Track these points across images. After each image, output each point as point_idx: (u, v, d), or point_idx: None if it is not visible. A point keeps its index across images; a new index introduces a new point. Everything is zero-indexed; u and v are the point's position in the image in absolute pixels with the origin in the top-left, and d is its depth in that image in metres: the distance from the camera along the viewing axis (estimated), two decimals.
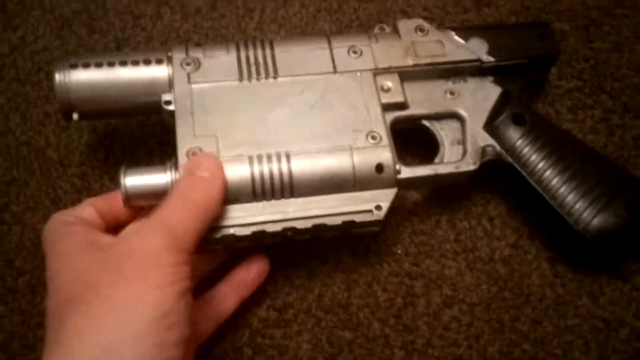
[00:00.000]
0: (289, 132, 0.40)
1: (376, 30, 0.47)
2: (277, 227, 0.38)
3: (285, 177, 0.38)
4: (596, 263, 0.46)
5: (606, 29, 0.54)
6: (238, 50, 0.43)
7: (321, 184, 0.39)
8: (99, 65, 0.42)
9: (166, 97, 0.41)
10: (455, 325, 0.45)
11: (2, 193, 0.49)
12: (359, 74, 0.43)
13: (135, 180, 0.38)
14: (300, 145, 0.39)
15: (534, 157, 0.44)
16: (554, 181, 0.43)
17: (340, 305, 0.45)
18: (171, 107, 0.40)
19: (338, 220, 0.39)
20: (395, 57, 0.44)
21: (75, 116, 0.42)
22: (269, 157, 0.39)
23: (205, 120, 0.40)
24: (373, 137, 0.40)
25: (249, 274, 0.43)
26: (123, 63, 0.42)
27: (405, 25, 0.46)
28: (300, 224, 0.39)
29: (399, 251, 0.47)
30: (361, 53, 0.44)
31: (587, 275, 0.46)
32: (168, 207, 0.35)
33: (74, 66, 0.41)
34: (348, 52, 0.44)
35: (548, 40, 0.48)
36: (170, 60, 0.42)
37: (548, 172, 0.43)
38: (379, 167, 0.40)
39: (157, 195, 0.37)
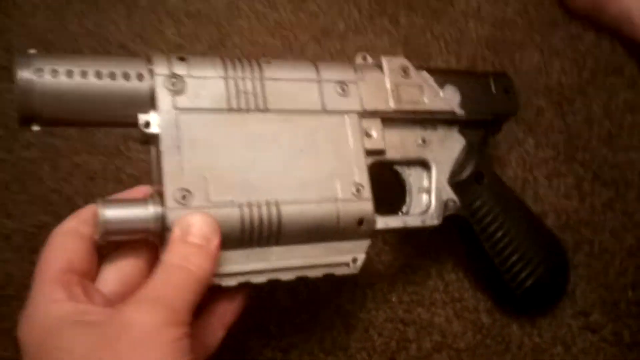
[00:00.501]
0: (278, 178, 0.38)
1: (359, 59, 0.46)
2: (262, 279, 0.38)
3: (274, 227, 0.38)
4: (569, 316, 0.51)
5: (578, 106, 0.61)
6: (225, 70, 0.39)
7: (306, 234, 0.39)
8: (69, 74, 0.35)
9: (145, 117, 0.36)
10: None
11: (33, 236, 0.54)
12: (346, 116, 0.42)
13: (115, 213, 0.35)
14: (289, 194, 0.38)
15: (487, 218, 0.47)
16: (500, 242, 0.48)
17: (340, 347, 0.50)
18: (152, 131, 0.36)
19: (319, 273, 0.40)
20: (380, 101, 0.43)
21: (35, 127, 0.36)
22: (259, 206, 0.37)
23: (193, 156, 0.36)
24: (357, 189, 0.40)
25: (232, 302, 0.40)
26: (98, 75, 0.36)
27: (390, 64, 0.45)
28: (284, 276, 0.39)
29: (394, 299, 0.52)
30: (349, 91, 0.42)
31: (561, 326, 0.51)
32: (164, 279, 0.33)
33: (39, 72, 0.35)
34: (336, 89, 0.42)
35: (511, 95, 0.50)
36: (151, 75, 0.37)
37: (497, 233, 0.48)
38: (360, 221, 0.40)
39: (136, 232, 0.35)
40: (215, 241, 0.35)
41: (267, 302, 0.51)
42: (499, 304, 0.52)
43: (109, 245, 0.37)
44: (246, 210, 0.37)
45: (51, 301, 0.33)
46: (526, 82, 0.63)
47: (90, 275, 0.37)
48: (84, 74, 0.36)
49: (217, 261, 0.35)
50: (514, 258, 0.48)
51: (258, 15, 0.64)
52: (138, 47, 0.61)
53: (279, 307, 0.50)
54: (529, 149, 0.59)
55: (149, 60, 0.38)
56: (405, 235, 0.54)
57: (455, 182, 0.47)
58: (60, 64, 0.35)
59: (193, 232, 0.34)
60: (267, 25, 0.64)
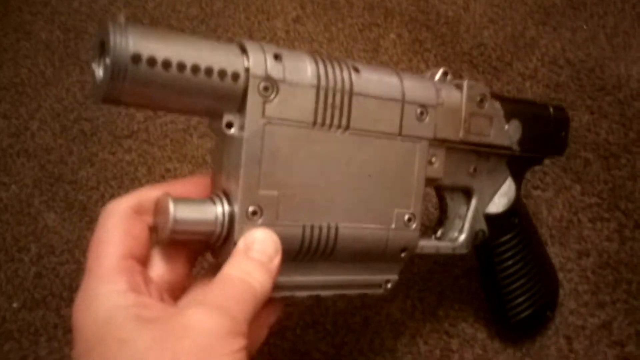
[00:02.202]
0: (343, 201, 0.38)
1: (439, 75, 0.44)
2: (305, 294, 0.38)
3: (329, 248, 0.38)
4: (605, 345, 0.55)
5: (623, 161, 0.66)
6: (318, 77, 0.36)
7: (352, 256, 0.39)
8: (166, 66, 0.32)
9: (230, 118, 0.34)
10: None
11: None
12: (418, 143, 0.40)
13: (185, 214, 0.33)
14: (349, 219, 0.38)
15: (508, 252, 0.49)
16: (512, 276, 0.50)
17: (388, 350, 0.55)
18: (233, 133, 0.34)
19: (354, 292, 0.41)
20: (452, 130, 0.42)
21: (113, 105, 0.35)
22: (321, 228, 0.37)
23: (271, 172, 0.35)
24: (409, 220, 0.40)
25: (275, 304, 0.41)
26: (195, 70, 0.32)
27: (471, 90, 0.43)
28: (324, 292, 0.39)
29: (440, 313, 0.57)
30: (427, 117, 0.41)
31: (597, 354, 0.54)
32: (226, 289, 0.33)
33: (136, 59, 0.31)
34: (416, 113, 0.40)
35: (563, 139, 0.50)
36: (246, 76, 0.34)
37: (512, 268, 0.50)
38: (404, 249, 0.41)
39: (200, 235, 0.34)
40: (277, 260, 0.35)
41: (325, 302, 0.56)
42: (492, 324, 0.56)
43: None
44: (308, 231, 0.37)
45: (113, 291, 0.31)
46: (576, 137, 0.68)
47: (145, 262, 0.35)
48: (181, 68, 0.32)
49: (275, 279, 0.35)
50: (520, 291, 0.51)
51: None
52: None
53: (335, 309, 0.55)
54: (575, 195, 0.64)
55: (243, 50, 0.35)
56: (452, 257, 0.59)
57: (490, 214, 0.48)
58: (158, 48, 0.31)
59: (257, 248, 0.34)
60: None
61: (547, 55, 0.74)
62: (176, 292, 0.37)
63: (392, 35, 0.78)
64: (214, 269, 0.38)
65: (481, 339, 0.55)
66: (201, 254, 0.39)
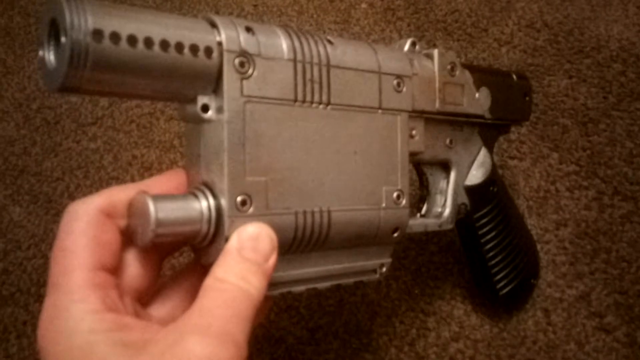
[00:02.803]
0: (332, 182, 0.36)
1: (408, 45, 0.43)
2: (302, 288, 0.36)
3: (322, 235, 0.35)
4: (584, 317, 0.54)
5: (602, 127, 0.65)
6: (294, 50, 0.34)
7: (345, 242, 0.37)
8: (132, 42, 0.28)
9: (204, 100, 0.31)
10: (460, 356, 0.53)
11: None
12: (399, 116, 0.39)
13: (168, 215, 0.29)
14: (340, 201, 0.36)
15: (491, 224, 0.49)
16: (496, 247, 0.50)
17: (363, 331, 0.54)
18: (210, 116, 0.32)
19: (350, 281, 0.39)
20: (428, 100, 0.41)
21: (72, 96, 0.32)
22: (313, 214, 0.35)
23: (257, 156, 0.32)
24: (398, 197, 0.39)
25: (266, 303, 0.37)
26: (164, 46, 0.29)
27: (442, 59, 0.42)
28: (320, 285, 0.37)
29: (416, 291, 0.56)
30: (403, 88, 0.39)
31: (575, 325, 0.53)
32: (225, 303, 0.29)
33: (97, 35, 0.27)
34: (393, 85, 0.39)
35: (528, 102, 0.51)
36: (220, 51, 0.31)
37: (496, 239, 0.49)
38: (396, 229, 0.39)
39: (185, 236, 0.31)
40: (273, 259, 0.31)
41: None
42: (478, 297, 0.55)
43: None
44: (301, 218, 0.34)
45: (87, 311, 0.27)
46: (553, 103, 0.67)
47: (116, 272, 0.31)
48: (148, 44, 0.28)
49: (270, 279, 0.31)
50: (505, 262, 0.50)
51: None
52: None
53: (309, 292, 0.54)
54: (552, 163, 0.63)
55: (212, 24, 0.32)
56: (427, 233, 0.57)
57: (469, 186, 0.47)
58: (121, 23, 0.28)
59: (251, 246, 0.30)
60: None
61: (524, 19, 0.72)
62: (144, 298, 0.33)
63: (364, 5, 0.75)
64: (188, 269, 0.36)
65: (458, 315, 0.54)
66: (171, 253, 0.36)
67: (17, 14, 0.75)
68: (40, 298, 0.56)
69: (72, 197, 0.62)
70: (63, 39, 0.26)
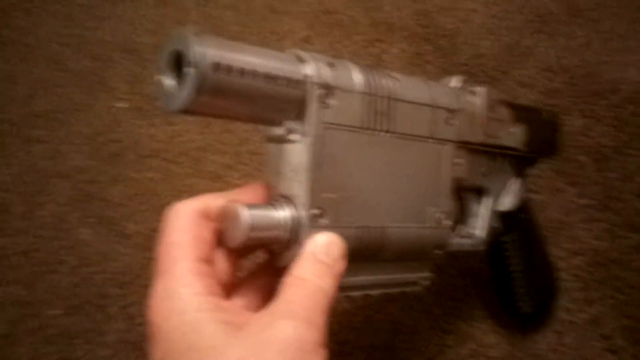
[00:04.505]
0: (388, 202, 0.40)
1: (455, 82, 0.48)
2: (358, 293, 0.40)
3: (377, 249, 0.40)
4: (594, 339, 0.58)
5: (615, 163, 0.69)
6: (368, 85, 0.39)
7: (395, 255, 0.41)
8: (242, 74, 0.33)
9: (291, 125, 0.36)
10: None
11: (149, 238, 0.68)
12: (446, 145, 0.44)
13: (257, 218, 0.34)
14: (394, 219, 0.40)
15: (518, 247, 0.54)
16: (523, 269, 0.55)
17: (387, 346, 0.59)
18: (294, 138, 0.36)
19: (396, 290, 0.43)
20: (474, 133, 0.46)
21: (188, 116, 0.36)
22: (371, 230, 0.39)
23: (331, 175, 0.37)
24: (441, 218, 0.43)
25: None
26: (265, 77, 0.34)
27: (487, 95, 0.48)
28: (373, 292, 0.41)
29: (437, 311, 0.61)
30: (452, 120, 0.44)
31: (585, 346, 0.58)
32: (306, 295, 0.33)
33: (216, 67, 0.32)
34: (443, 117, 0.43)
35: (556, 138, 0.57)
36: (306, 83, 0.36)
37: (522, 261, 0.54)
38: (438, 247, 0.43)
39: (269, 241, 0.35)
40: (343, 264, 0.35)
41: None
42: (495, 317, 0.60)
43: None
44: (362, 232, 0.38)
45: (194, 294, 0.32)
46: (570, 141, 0.72)
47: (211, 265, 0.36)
48: (254, 76, 0.33)
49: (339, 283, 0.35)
50: (527, 283, 0.55)
51: None
52: None
53: (338, 309, 0.60)
54: (568, 197, 0.67)
55: (299, 59, 0.37)
56: (451, 256, 0.63)
57: (501, 212, 0.52)
58: (234, 57, 0.33)
59: (324, 251, 0.35)
60: None
61: (542, 63, 0.78)
62: (226, 292, 0.37)
63: (394, 50, 0.82)
64: (261, 270, 0.40)
65: (475, 334, 0.60)
66: (248, 255, 0.41)
67: (84, 57, 0.85)
68: (103, 309, 0.64)
69: (132, 221, 0.70)
70: (189, 69, 0.31)
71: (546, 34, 0.80)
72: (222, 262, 0.37)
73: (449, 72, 0.79)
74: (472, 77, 0.78)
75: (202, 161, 0.73)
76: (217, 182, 0.71)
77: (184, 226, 0.34)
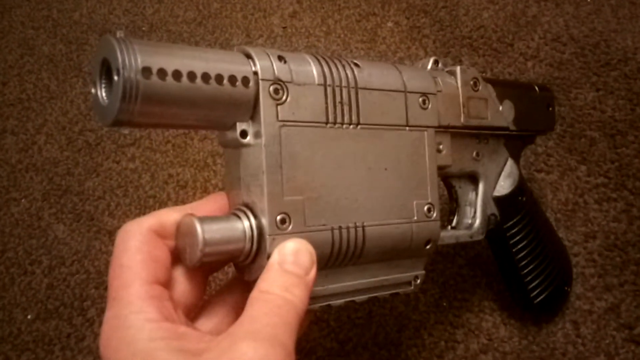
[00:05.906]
0: (364, 198, 0.37)
1: (430, 63, 0.45)
2: (340, 301, 0.37)
3: (358, 250, 0.37)
4: (613, 328, 0.54)
5: (630, 138, 0.65)
6: (324, 75, 0.36)
7: (380, 255, 0.39)
8: (177, 76, 0.30)
9: (243, 126, 0.34)
10: None
11: None
12: (425, 132, 0.41)
13: (212, 232, 0.32)
14: (374, 216, 0.38)
15: (522, 232, 0.49)
16: (529, 256, 0.50)
17: (392, 343, 0.55)
18: (249, 141, 0.34)
19: (386, 293, 0.40)
20: (454, 116, 0.43)
21: (125, 131, 0.32)
22: (348, 229, 0.36)
23: (293, 176, 0.34)
24: (429, 210, 0.40)
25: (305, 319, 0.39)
26: (205, 78, 0.31)
27: (465, 75, 0.44)
28: (358, 297, 0.38)
29: (445, 304, 0.57)
30: (429, 105, 0.41)
31: (605, 337, 0.54)
32: (272, 311, 0.30)
33: (146, 72, 0.29)
34: (419, 102, 0.41)
35: (551, 113, 0.52)
36: (256, 80, 0.34)
37: (528, 248, 0.50)
38: (428, 241, 0.41)
39: (230, 255, 0.33)
40: (313, 272, 0.33)
41: None
42: (507, 309, 0.55)
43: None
44: (337, 234, 0.36)
45: (146, 321, 0.29)
46: (580, 116, 0.67)
47: (168, 287, 0.33)
48: (191, 77, 0.31)
49: (311, 292, 0.33)
50: (537, 271, 0.51)
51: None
52: None
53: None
54: (580, 176, 0.63)
55: (247, 55, 0.34)
56: (455, 245, 0.58)
57: (498, 197, 0.48)
58: (167, 60, 0.30)
59: (292, 260, 0.32)
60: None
61: (550, 33, 0.73)
62: (191, 314, 0.35)
63: (390, 24, 0.77)
64: (230, 286, 0.37)
65: (486, 328, 0.55)
66: (215, 271, 0.39)
67: (60, 41, 0.80)
68: (82, 312, 0.59)
69: (113, 215, 0.65)
70: (115, 78, 0.29)
71: (553, 2, 0.75)
72: (182, 283, 0.34)
73: (449, 46, 0.74)
74: (475, 51, 0.73)
75: (187, 149, 0.68)
76: (204, 171, 0.66)
77: (135, 247, 0.32)
